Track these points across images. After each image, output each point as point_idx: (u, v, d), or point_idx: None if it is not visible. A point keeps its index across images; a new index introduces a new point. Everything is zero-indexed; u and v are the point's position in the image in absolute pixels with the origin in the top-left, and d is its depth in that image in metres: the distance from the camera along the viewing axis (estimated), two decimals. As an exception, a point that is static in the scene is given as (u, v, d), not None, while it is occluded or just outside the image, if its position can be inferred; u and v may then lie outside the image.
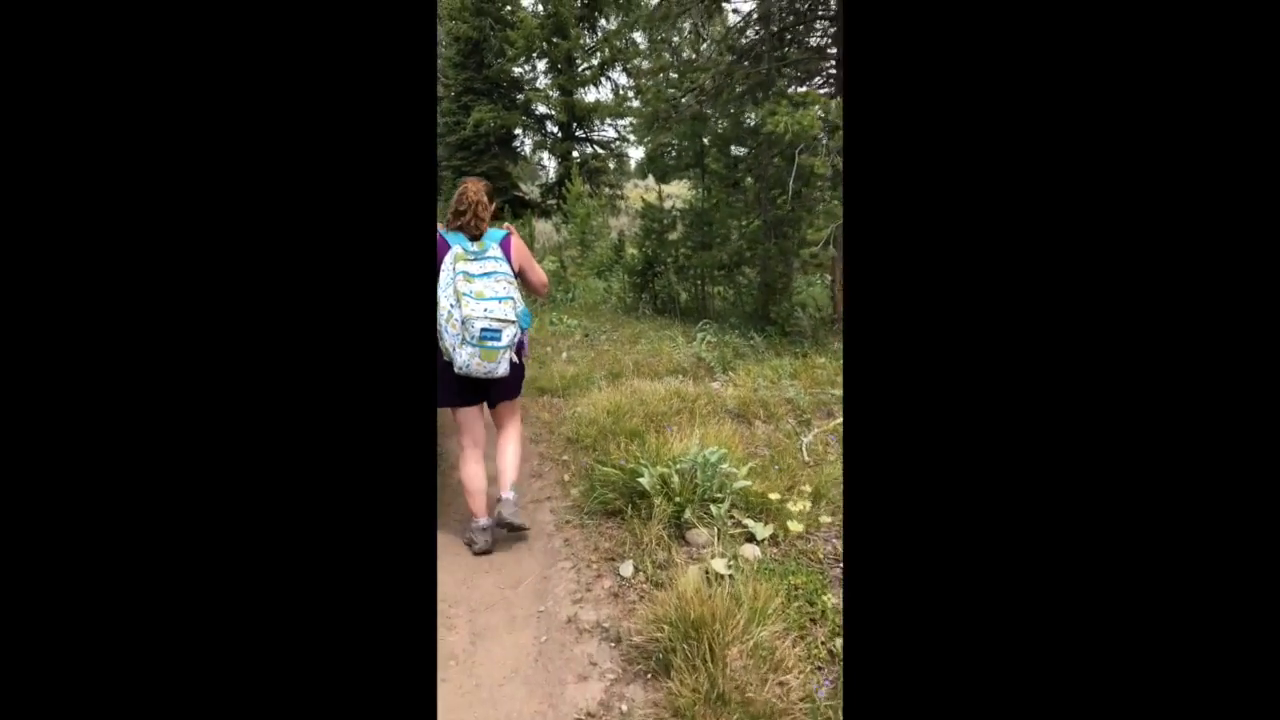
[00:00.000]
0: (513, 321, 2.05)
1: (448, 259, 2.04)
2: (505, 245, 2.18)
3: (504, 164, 20.58)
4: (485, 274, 2.05)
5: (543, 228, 13.28)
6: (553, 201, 20.03)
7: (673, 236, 7.26)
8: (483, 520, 2.28)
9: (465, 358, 2.01)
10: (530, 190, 19.00)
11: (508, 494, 2.29)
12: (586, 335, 6.17)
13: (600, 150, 20.41)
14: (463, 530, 2.39)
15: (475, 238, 2.13)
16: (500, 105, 20.29)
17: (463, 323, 1.98)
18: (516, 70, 20.11)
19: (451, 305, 1.99)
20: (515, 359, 2.17)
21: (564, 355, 5.43)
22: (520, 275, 2.24)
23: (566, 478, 3.06)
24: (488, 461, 2.38)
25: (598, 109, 19.05)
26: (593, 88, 19.54)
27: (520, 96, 20.22)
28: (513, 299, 2.07)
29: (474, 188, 2.17)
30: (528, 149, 20.81)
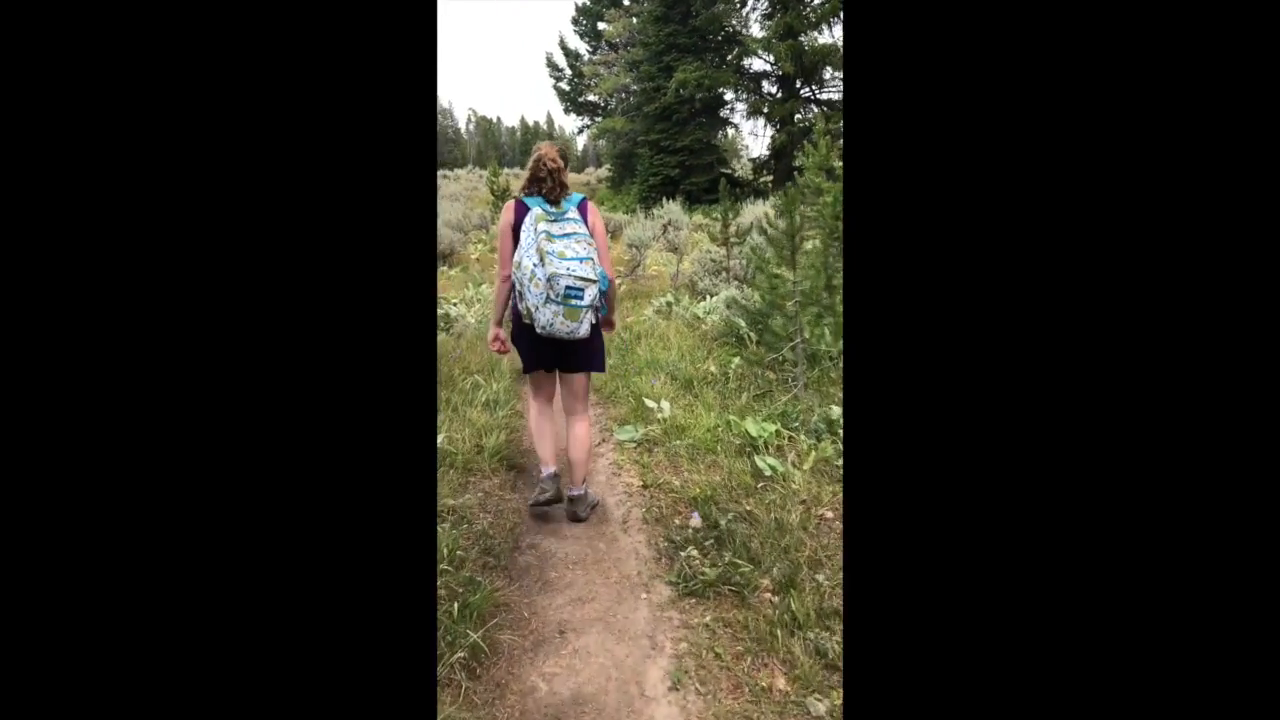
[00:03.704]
0: (594, 280, 1.99)
1: (528, 220, 2.01)
2: (582, 208, 2.13)
3: (710, 135, 17.35)
4: (566, 235, 2.00)
5: (755, 211, 8.56)
6: (768, 179, 16.36)
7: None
8: (551, 468, 2.21)
9: (549, 316, 1.96)
10: (741, 166, 15.46)
11: (578, 490, 2.27)
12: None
13: (828, 111, 16.19)
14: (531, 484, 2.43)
15: (555, 202, 2.09)
16: (708, 64, 17.02)
17: (547, 280, 1.94)
18: (727, 26, 16.71)
19: (535, 265, 1.96)
20: (594, 320, 2.10)
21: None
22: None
23: None
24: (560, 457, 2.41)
25: (832, 55, 14.84)
26: (825, 28, 15.34)
27: (731, 56, 16.76)
28: (592, 259, 2.01)
29: (550, 154, 2.08)
30: (739, 117, 17.38)
